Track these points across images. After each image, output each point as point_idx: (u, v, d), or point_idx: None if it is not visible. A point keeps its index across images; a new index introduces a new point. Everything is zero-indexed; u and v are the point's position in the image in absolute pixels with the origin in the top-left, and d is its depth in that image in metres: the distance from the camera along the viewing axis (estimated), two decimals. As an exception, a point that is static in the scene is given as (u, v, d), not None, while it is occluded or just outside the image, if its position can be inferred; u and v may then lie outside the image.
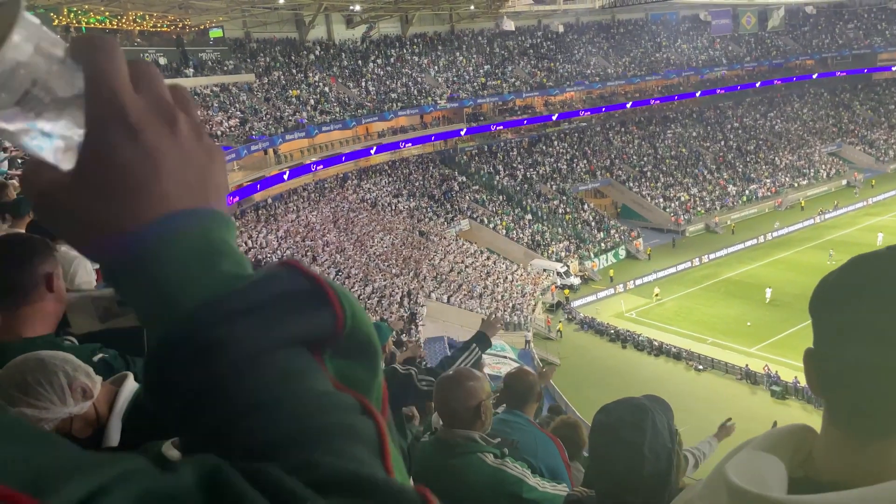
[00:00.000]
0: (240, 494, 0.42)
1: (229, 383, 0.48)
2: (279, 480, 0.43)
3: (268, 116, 39.32)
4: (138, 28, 36.38)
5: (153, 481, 0.40)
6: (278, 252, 34.38)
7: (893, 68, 61.41)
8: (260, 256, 32.14)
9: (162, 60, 37.11)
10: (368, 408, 0.51)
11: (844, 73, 63.37)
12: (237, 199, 35.82)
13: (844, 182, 54.69)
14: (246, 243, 33.46)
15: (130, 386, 1.69)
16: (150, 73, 0.54)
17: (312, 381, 0.50)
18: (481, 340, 4.49)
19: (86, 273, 3.69)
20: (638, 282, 39.66)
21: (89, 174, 0.49)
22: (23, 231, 3.87)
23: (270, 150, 38.51)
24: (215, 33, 40.47)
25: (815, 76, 62.88)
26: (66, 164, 0.50)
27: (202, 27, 39.84)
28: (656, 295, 37.26)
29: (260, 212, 38.00)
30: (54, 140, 0.50)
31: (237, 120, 37.32)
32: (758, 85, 61.10)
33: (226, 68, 40.44)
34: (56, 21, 32.11)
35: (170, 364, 0.49)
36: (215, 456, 0.44)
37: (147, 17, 37.01)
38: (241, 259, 0.54)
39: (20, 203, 4.54)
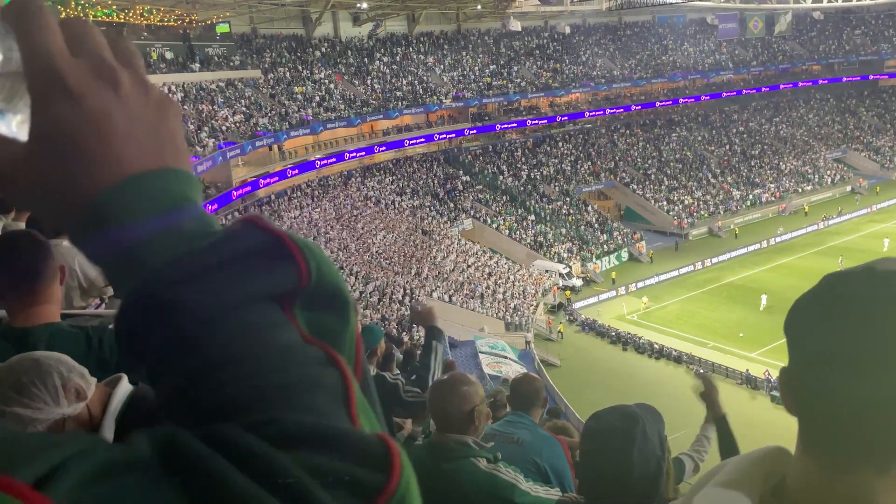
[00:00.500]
0: (194, 454, 0.42)
1: (191, 342, 0.48)
2: (237, 438, 0.43)
3: (273, 112, 39.34)
4: (145, 22, 36.42)
5: (109, 453, 0.42)
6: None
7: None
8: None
9: (168, 55, 37.17)
10: (335, 358, 0.51)
11: (851, 79, 63.17)
12: (241, 194, 35.90)
13: (849, 188, 54.60)
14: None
15: (125, 388, 1.70)
16: (86, 32, 0.52)
17: (277, 335, 0.50)
18: (434, 334, 4.49)
19: (90, 268, 3.71)
20: (640, 284, 39.68)
21: (39, 145, 0.49)
22: (23, 225, 3.89)
23: (275, 147, 38.59)
24: (222, 28, 40.50)
25: (821, 82, 62.75)
26: (24, 136, 0.49)
27: (209, 22, 39.87)
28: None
29: (263, 208, 38.03)
30: (6, 114, 0.49)
31: (242, 115, 37.34)
32: (763, 89, 61.00)
33: (232, 64, 40.47)
34: (63, 14, 32.10)
35: (134, 324, 0.49)
36: (174, 424, 0.45)
37: (154, 11, 37.04)
38: (204, 216, 0.53)
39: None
